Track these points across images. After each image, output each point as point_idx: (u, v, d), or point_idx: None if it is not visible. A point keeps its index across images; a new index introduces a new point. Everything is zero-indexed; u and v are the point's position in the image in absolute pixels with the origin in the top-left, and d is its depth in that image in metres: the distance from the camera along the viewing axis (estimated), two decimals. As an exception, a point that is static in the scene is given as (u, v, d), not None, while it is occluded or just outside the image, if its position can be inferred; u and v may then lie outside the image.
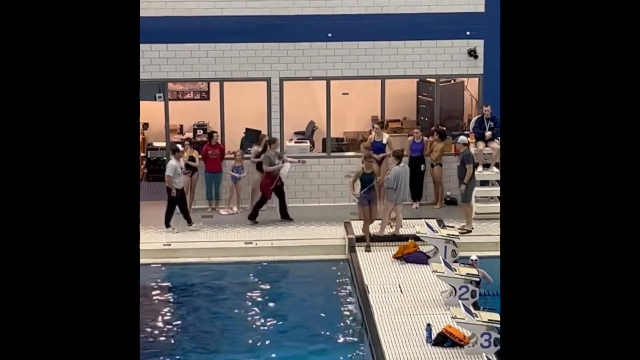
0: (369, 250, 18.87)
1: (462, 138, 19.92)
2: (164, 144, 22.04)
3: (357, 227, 19.62)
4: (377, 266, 18.25)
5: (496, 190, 20.71)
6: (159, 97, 21.46)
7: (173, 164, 19.93)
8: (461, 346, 14.62)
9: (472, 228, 19.71)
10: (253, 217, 20.67)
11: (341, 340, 16.10)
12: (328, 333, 16.29)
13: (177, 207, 20.23)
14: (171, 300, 17.88)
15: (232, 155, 21.41)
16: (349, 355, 15.59)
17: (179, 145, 20.78)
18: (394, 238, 19.16)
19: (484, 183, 20.66)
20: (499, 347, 14.08)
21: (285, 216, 20.90)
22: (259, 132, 21.97)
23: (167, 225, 20.16)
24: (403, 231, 19.36)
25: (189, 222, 20.31)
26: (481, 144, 20.91)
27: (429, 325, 15.02)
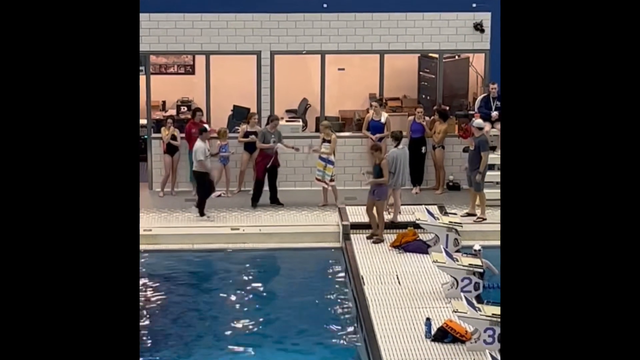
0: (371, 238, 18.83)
1: (478, 122, 19.79)
2: (144, 121, 21.83)
3: (352, 213, 19.60)
4: (374, 255, 18.18)
5: (502, 175, 20.59)
6: (140, 70, 21.07)
7: (202, 146, 19.77)
8: (463, 342, 14.57)
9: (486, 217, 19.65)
10: (256, 200, 20.60)
11: (333, 335, 15.99)
12: (319, 327, 16.20)
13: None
14: (151, 291, 17.73)
15: (216, 134, 21.26)
16: (342, 351, 15.50)
17: (208, 128, 20.55)
18: (392, 225, 19.07)
19: (490, 167, 20.50)
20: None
21: (274, 200, 20.82)
22: (248, 109, 21.90)
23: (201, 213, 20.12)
24: (402, 218, 19.33)
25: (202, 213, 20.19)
26: (487, 125, 20.73)
27: (428, 319, 14.94)
